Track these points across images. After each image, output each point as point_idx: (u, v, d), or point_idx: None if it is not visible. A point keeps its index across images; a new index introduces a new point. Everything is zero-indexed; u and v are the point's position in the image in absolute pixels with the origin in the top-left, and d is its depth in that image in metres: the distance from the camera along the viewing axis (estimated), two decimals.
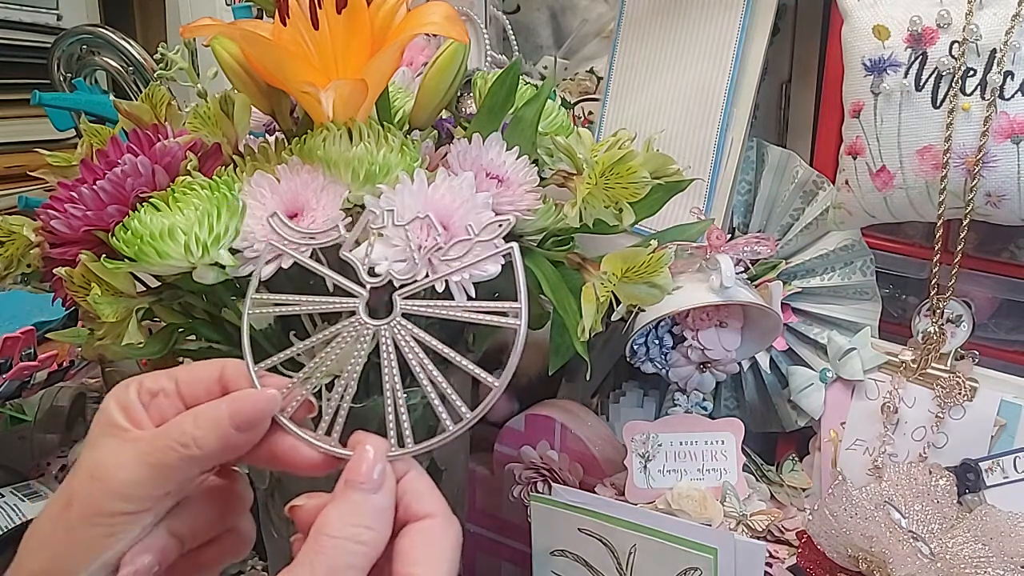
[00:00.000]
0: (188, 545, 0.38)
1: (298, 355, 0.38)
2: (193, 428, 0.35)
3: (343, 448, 0.36)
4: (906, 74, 0.67)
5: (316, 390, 0.38)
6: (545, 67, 0.94)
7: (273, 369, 0.39)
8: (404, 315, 0.36)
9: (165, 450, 0.35)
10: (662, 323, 0.76)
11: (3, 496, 0.77)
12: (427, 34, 0.78)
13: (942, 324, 0.73)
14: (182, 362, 0.62)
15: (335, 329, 0.37)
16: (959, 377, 0.71)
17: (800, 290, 0.80)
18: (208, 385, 0.38)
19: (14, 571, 0.36)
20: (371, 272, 0.37)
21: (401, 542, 0.35)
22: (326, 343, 0.37)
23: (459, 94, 0.63)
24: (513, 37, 0.90)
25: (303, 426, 0.37)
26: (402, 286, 0.37)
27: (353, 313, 0.37)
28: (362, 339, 0.36)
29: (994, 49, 0.64)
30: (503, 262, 0.48)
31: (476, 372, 0.34)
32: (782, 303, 0.78)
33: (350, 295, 0.37)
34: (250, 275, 0.48)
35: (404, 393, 0.36)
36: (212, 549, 0.40)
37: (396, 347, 0.36)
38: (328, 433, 0.37)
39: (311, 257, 0.48)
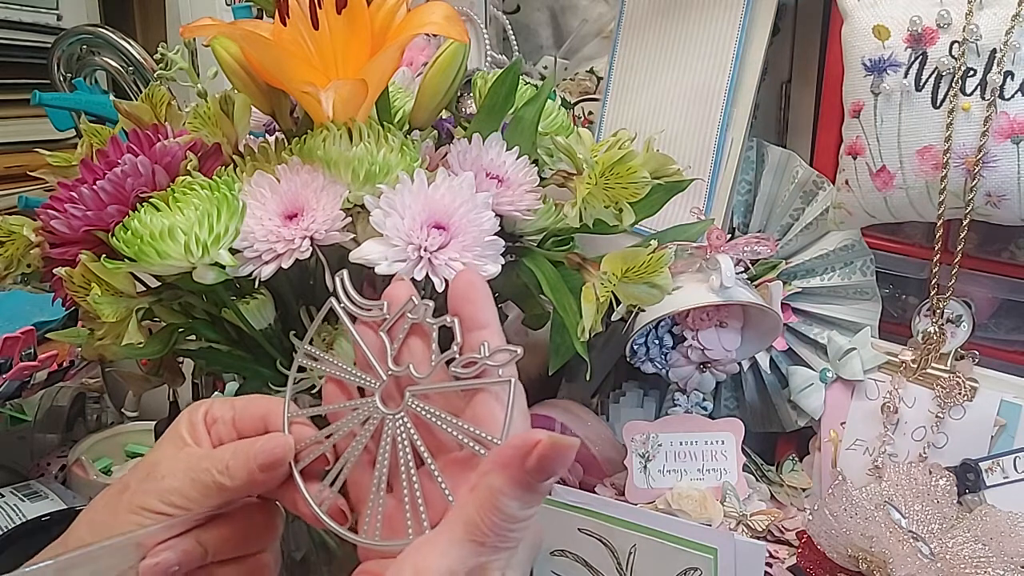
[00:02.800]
0: (211, 557, 0.41)
1: (324, 415, 0.40)
2: (230, 458, 0.39)
3: (328, 518, 0.38)
4: (906, 74, 0.67)
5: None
6: (545, 67, 0.94)
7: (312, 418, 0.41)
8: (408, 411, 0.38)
9: (206, 471, 0.39)
10: (662, 323, 0.76)
11: (3, 496, 0.77)
12: (427, 34, 0.78)
13: (942, 324, 0.73)
14: (182, 363, 0.63)
15: (356, 403, 0.39)
16: (959, 377, 0.71)
17: (800, 290, 0.80)
18: (255, 421, 0.41)
19: (66, 536, 0.41)
20: (395, 360, 0.39)
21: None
22: (352, 409, 0.39)
23: (459, 94, 0.63)
24: (513, 37, 0.90)
25: (317, 476, 0.40)
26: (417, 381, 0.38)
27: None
28: (370, 421, 0.38)
29: (994, 49, 0.64)
30: (503, 262, 0.49)
31: (446, 491, 0.35)
32: (782, 303, 0.78)
33: (376, 376, 0.39)
34: (250, 274, 0.48)
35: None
36: (231, 569, 0.42)
37: (394, 440, 0.37)
38: (331, 485, 0.39)
39: (311, 257, 0.48)
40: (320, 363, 0.40)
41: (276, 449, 0.39)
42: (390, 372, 0.38)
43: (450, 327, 0.37)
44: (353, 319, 0.39)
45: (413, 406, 0.37)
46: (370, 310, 0.39)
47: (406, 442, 0.37)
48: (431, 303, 0.39)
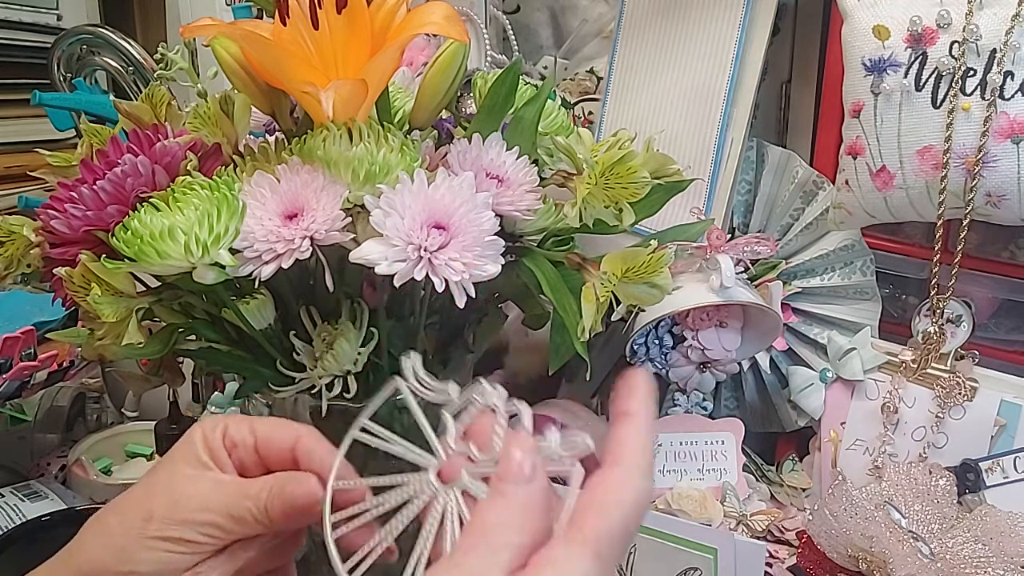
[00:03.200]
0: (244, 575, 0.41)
1: (375, 488, 0.39)
2: (267, 500, 0.39)
3: None
4: (906, 74, 0.67)
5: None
6: (545, 67, 0.94)
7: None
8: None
9: (247, 510, 0.39)
10: (662, 323, 0.76)
11: (3, 496, 0.77)
12: (427, 34, 0.78)
13: (942, 324, 0.73)
14: (182, 363, 0.63)
15: (404, 478, 0.38)
16: (959, 377, 0.71)
17: (800, 290, 0.80)
18: (281, 451, 0.41)
19: (74, 553, 0.40)
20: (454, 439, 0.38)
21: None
22: (402, 484, 0.38)
23: (459, 94, 0.63)
24: (513, 37, 0.90)
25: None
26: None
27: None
28: (421, 496, 0.37)
29: (994, 49, 0.64)
30: (503, 262, 0.49)
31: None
32: (782, 303, 0.78)
33: (428, 453, 0.38)
34: (250, 274, 0.48)
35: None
36: None
37: (442, 515, 0.36)
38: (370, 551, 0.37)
39: (311, 257, 0.48)
40: (378, 437, 0.39)
41: (315, 502, 0.39)
42: (450, 451, 0.37)
43: (517, 414, 0.37)
44: (419, 400, 0.38)
45: (469, 484, 0.36)
46: (436, 392, 0.38)
47: (455, 516, 0.36)
48: (503, 391, 0.38)
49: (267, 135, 0.62)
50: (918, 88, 0.67)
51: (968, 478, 0.69)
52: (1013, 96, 0.64)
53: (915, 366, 0.74)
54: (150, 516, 0.39)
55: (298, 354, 0.53)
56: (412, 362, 0.38)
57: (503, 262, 0.49)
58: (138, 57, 0.97)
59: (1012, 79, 0.64)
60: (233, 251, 0.47)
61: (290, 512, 0.39)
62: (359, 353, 0.53)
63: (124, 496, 0.41)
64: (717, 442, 0.74)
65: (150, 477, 0.41)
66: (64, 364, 0.78)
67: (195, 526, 0.39)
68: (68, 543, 0.40)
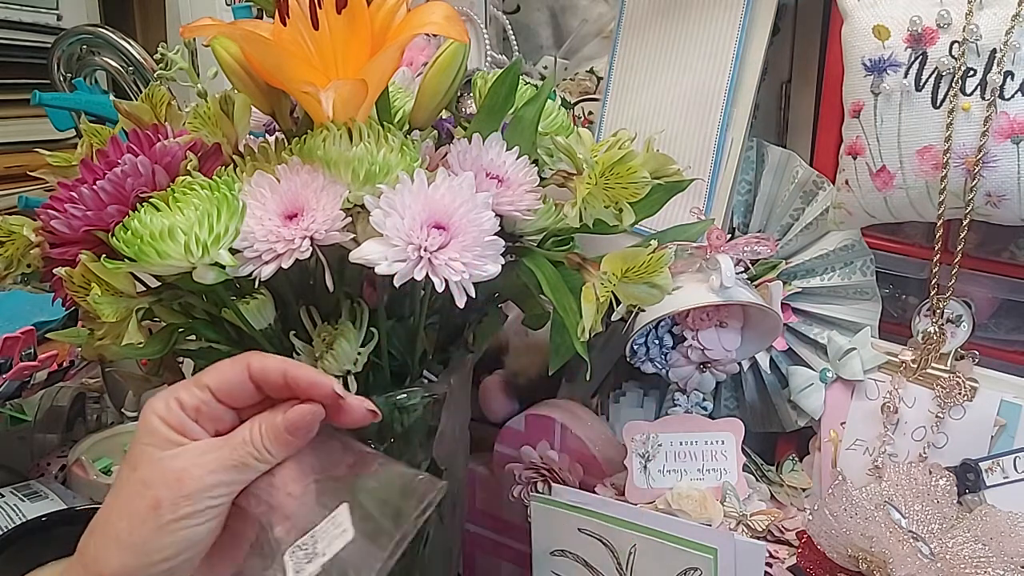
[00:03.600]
0: None
1: None
2: (262, 439, 0.42)
3: None
4: (906, 74, 0.67)
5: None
6: (545, 67, 0.94)
7: None
8: None
9: (246, 456, 0.42)
10: (662, 323, 0.76)
11: (3, 496, 0.77)
12: (427, 34, 0.78)
13: (942, 324, 0.73)
14: (182, 363, 0.63)
15: None
16: (959, 377, 0.71)
17: (800, 290, 0.80)
18: (242, 384, 0.43)
19: (91, 559, 0.41)
20: None
21: None
22: None
23: (459, 94, 0.63)
24: (513, 37, 0.90)
25: None
26: None
27: None
28: None
29: (994, 49, 0.64)
30: (503, 262, 0.49)
31: None
32: (782, 303, 0.78)
33: None
34: (250, 274, 0.48)
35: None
36: None
37: None
38: None
39: (311, 257, 0.48)
40: None
41: (307, 416, 0.42)
42: None
43: None
44: None
45: None
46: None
47: None
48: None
49: (267, 135, 0.62)
50: (918, 88, 0.67)
51: (968, 478, 0.69)
52: (1013, 96, 0.64)
53: (915, 366, 0.74)
54: (157, 504, 0.41)
55: (298, 354, 0.53)
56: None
57: (503, 262, 0.49)
58: (138, 57, 0.97)
59: (1012, 79, 0.64)
60: (233, 251, 0.47)
61: (291, 443, 0.42)
62: (359, 353, 0.53)
63: (117, 503, 0.42)
64: (717, 442, 0.74)
65: (133, 476, 0.42)
66: (64, 364, 0.78)
67: (204, 493, 0.41)
68: (74, 559, 0.42)
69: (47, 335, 0.68)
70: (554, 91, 0.70)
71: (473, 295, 0.48)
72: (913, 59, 0.67)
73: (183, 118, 0.58)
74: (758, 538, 0.69)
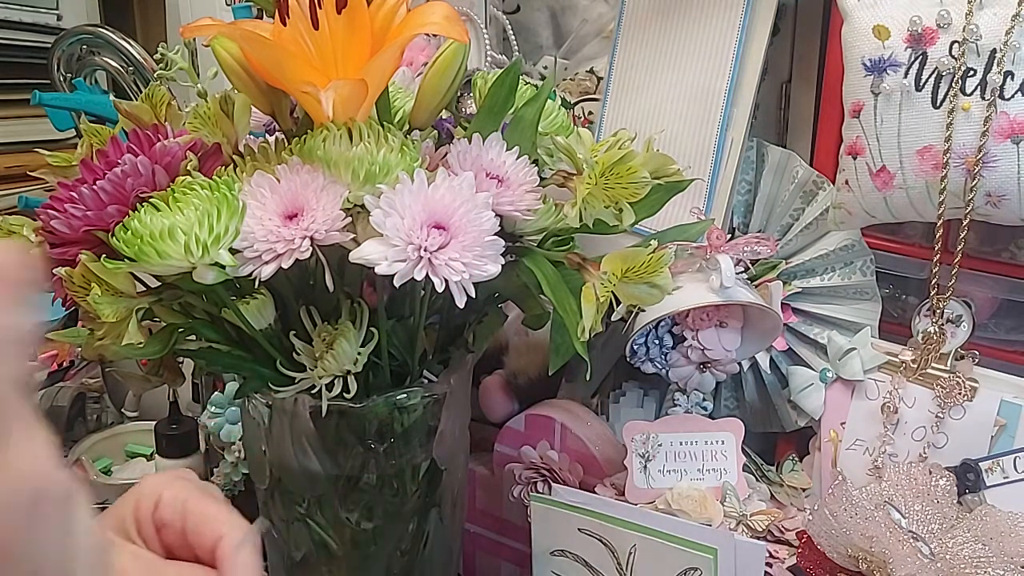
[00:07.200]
0: None
1: None
2: None
3: None
4: (906, 74, 0.67)
5: None
6: (545, 67, 0.94)
7: None
8: None
9: None
10: (662, 323, 0.76)
11: None
12: (427, 34, 0.78)
13: (942, 324, 0.73)
14: (182, 363, 0.63)
15: None
16: (959, 377, 0.71)
17: (800, 290, 0.80)
18: (207, 548, 0.42)
19: None
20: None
21: None
22: None
23: (459, 94, 0.63)
24: (513, 37, 0.90)
25: None
26: None
27: None
28: None
29: (994, 49, 0.64)
30: (503, 262, 0.48)
31: None
32: (782, 303, 0.78)
33: None
34: (250, 274, 0.48)
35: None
36: None
37: None
38: None
39: (311, 257, 0.48)
40: None
41: None
42: None
43: None
44: None
45: None
46: None
47: None
48: None
49: (267, 135, 0.62)
50: (918, 88, 0.67)
51: (968, 478, 0.69)
52: (1013, 96, 0.64)
53: (915, 366, 0.74)
54: None
55: (298, 354, 0.53)
56: None
57: (503, 262, 0.49)
58: (138, 57, 0.97)
59: (1012, 79, 0.64)
60: (233, 251, 0.47)
61: None
62: (359, 353, 0.53)
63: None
64: (717, 442, 0.74)
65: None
66: (64, 364, 0.78)
67: None
68: None
69: (47, 335, 0.68)
70: (554, 91, 0.70)
71: (473, 295, 0.48)
72: (913, 59, 0.67)
73: (183, 118, 0.58)
74: (758, 538, 0.69)
